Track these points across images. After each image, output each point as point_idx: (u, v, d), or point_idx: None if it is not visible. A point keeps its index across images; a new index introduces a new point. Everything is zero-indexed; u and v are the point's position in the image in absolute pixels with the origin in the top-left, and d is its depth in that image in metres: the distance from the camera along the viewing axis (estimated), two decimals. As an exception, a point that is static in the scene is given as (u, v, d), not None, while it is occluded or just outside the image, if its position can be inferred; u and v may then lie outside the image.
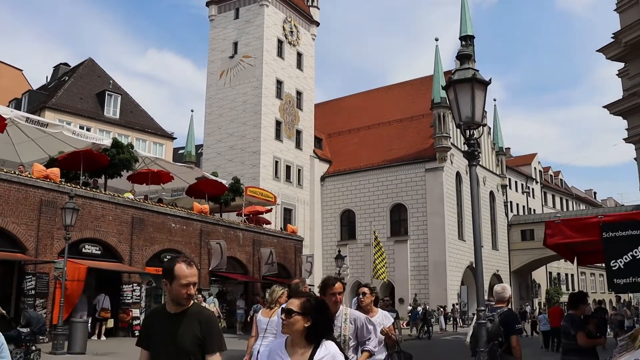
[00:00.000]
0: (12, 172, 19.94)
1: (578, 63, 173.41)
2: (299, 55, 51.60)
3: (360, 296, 6.18)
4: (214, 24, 50.84)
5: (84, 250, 21.57)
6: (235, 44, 48.85)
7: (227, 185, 30.27)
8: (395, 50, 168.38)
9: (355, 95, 61.18)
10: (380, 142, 50.98)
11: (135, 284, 23.50)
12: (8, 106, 33.20)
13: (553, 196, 74.44)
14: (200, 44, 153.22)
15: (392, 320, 6.06)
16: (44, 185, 20.25)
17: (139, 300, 23.60)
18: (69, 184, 21.53)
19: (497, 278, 50.15)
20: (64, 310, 17.39)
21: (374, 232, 44.03)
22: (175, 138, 47.77)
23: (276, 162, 46.90)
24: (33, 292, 19.41)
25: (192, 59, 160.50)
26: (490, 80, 6.73)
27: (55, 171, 21.12)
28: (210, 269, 27.44)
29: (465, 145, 6.67)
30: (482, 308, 6.41)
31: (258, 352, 6.60)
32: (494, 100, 67.88)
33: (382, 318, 6.02)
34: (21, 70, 51.53)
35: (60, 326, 16.79)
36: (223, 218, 30.58)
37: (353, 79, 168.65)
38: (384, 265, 41.63)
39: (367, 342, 5.05)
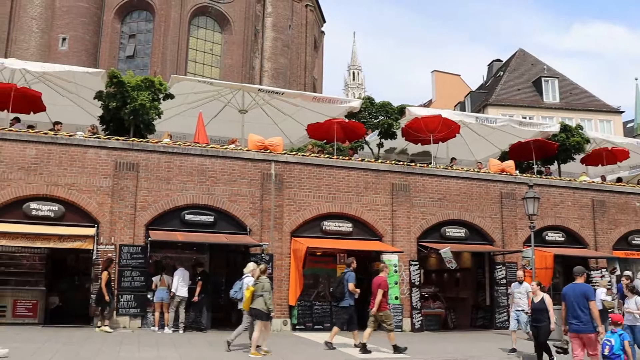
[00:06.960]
0: (471, 169, 21.60)
1: None
2: None
3: None
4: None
5: (547, 237, 21.67)
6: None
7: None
8: None
9: None
10: None
11: (604, 270, 22.48)
12: (454, 109, 35.89)
13: None
14: (631, 4, 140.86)
15: None
16: (501, 179, 21.25)
17: (610, 287, 22.36)
18: (524, 174, 22.12)
19: None
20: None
21: None
22: (623, 111, 44.60)
23: None
24: (504, 280, 20.35)
25: (624, 23, 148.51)
26: None
27: (510, 164, 22.04)
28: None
29: None
30: None
31: None
32: None
33: None
34: (459, 75, 55.21)
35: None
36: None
37: None
38: None
39: None
